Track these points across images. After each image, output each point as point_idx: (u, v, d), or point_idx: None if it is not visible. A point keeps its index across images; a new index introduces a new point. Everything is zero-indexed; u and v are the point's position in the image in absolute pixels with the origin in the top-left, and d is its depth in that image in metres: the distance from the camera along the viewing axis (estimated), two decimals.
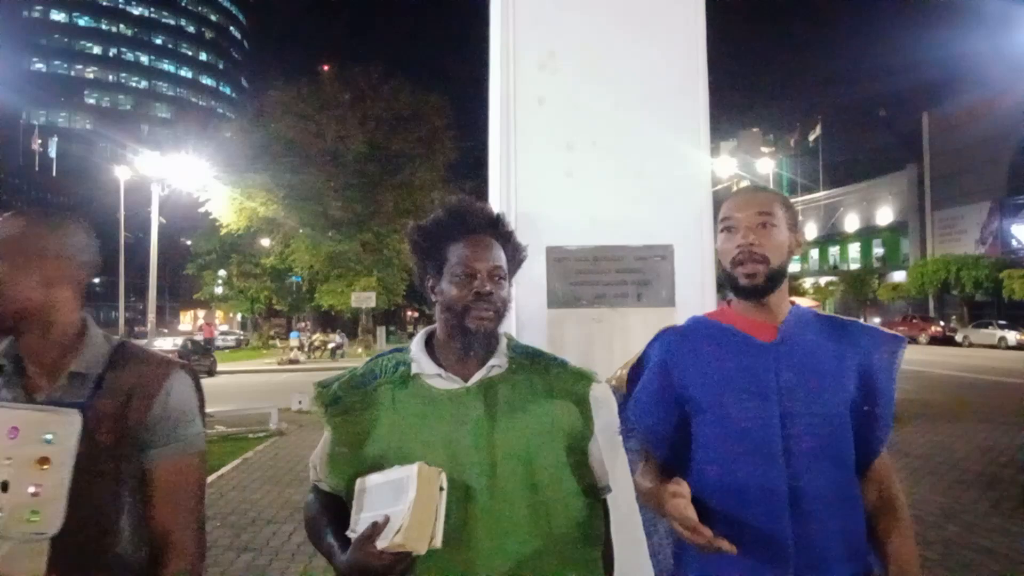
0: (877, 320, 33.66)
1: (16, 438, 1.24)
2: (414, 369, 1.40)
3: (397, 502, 1.20)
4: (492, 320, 1.38)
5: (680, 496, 1.26)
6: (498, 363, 1.40)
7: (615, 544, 1.49)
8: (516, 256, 1.50)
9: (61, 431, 1.24)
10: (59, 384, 1.29)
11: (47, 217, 1.36)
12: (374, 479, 1.28)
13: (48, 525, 1.21)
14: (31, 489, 1.22)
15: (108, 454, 1.26)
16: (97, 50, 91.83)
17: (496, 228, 1.46)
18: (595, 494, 1.42)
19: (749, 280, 1.39)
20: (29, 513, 1.21)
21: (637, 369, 1.53)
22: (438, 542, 1.18)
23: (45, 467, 1.23)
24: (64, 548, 1.22)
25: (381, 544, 1.17)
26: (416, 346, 1.44)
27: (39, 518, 1.21)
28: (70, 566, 1.22)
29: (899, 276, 39.43)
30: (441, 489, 1.21)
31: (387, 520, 1.18)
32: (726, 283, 1.46)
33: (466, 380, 1.38)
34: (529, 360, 1.45)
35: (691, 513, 1.24)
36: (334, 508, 1.38)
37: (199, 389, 1.41)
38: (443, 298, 1.40)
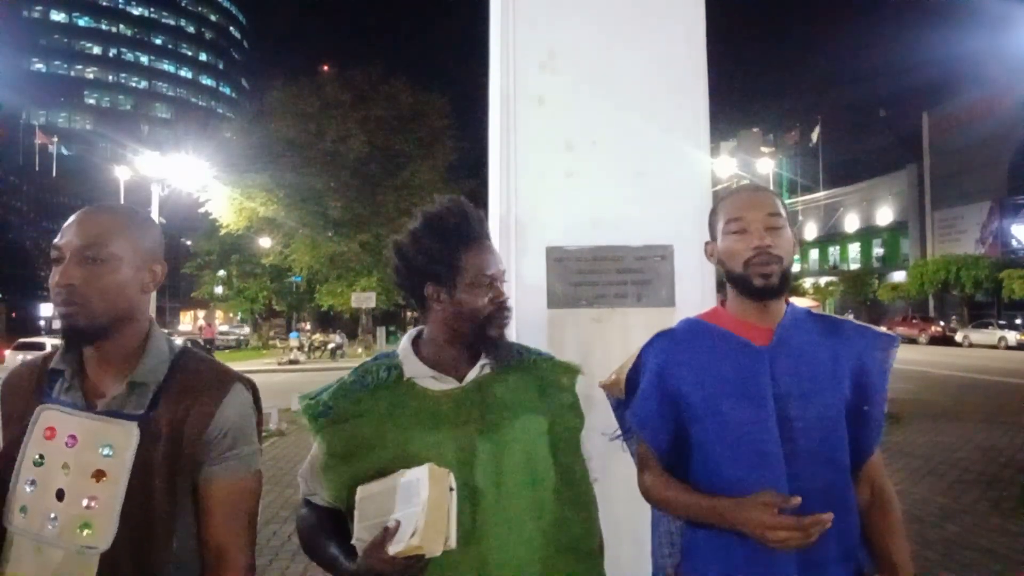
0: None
1: (74, 446, 1.19)
2: (406, 373, 1.38)
3: (408, 505, 1.18)
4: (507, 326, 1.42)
5: (768, 503, 1.21)
6: (488, 361, 1.40)
7: (615, 544, 1.50)
8: None
9: (119, 443, 1.19)
10: (119, 393, 1.23)
11: (148, 218, 1.31)
12: (377, 486, 1.26)
13: (99, 539, 1.16)
14: (85, 501, 1.17)
15: (163, 469, 1.20)
16: (97, 50, 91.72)
17: (487, 231, 1.46)
18: (588, 485, 1.44)
19: (765, 280, 1.36)
20: (81, 524, 1.17)
21: (634, 374, 1.51)
22: (453, 543, 1.17)
23: (101, 480, 1.18)
24: (113, 563, 1.17)
25: (394, 549, 1.14)
26: (404, 350, 1.42)
27: (91, 531, 1.17)
28: None
29: (899, 276, 39.38)
30: (451, 489, 1.20)
31: (398, 524, 1.16)
32: (734, 284, 1.42)
33: (460, 380, 1.38)
34: (516, 356, 1.45)
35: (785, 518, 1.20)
36: (330, 521, 1.36)
37: (258, 405, 1.35)
38: (460, 307, 1.36)
